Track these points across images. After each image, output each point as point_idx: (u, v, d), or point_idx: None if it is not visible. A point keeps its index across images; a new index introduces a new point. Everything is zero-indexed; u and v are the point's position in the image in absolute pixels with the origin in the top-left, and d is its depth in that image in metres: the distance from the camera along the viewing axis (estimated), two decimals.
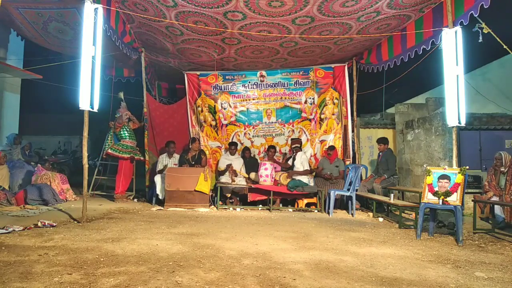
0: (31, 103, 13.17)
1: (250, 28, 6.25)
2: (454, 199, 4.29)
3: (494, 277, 2.91)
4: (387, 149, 7.20)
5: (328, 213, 6.38)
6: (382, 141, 7.28)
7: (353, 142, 8.20)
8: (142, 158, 7.37)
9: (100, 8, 4.77)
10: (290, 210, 6.88)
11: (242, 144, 8.28)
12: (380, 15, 5.72)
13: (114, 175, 7.39)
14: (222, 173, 7.36)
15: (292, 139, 7.86)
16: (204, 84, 8.52)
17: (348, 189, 6.60)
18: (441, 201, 4.35)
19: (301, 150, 7.39)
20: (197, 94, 8.54)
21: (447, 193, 4.32)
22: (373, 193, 6.80)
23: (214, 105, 8.49)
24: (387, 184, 6.85)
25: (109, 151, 7.10)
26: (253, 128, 8.46)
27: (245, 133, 8.47)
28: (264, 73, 8.44)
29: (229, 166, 7.29)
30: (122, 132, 7.20)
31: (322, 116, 8.33)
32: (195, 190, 6.44)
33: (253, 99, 8.48)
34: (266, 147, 8.06)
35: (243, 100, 8.51)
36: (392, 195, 5.73)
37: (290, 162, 7.27)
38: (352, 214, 6.40)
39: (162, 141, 7.89)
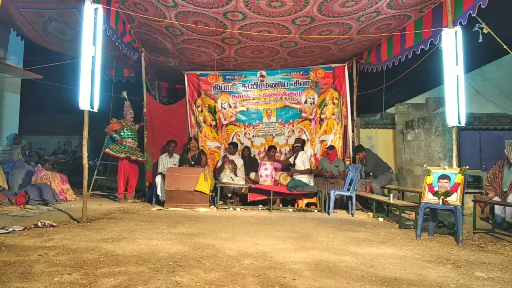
0: (31, 103, 13.19)
1: (250, 28, 6.26)
2: (454, 199, 4.29)
3: (494, 277, 2.90)
4: (366, 153, 7.21)
5: (328, 213, 6.38)
6: (359, 149, 7.34)
7: (353, 142, 8.20)
8: (139, 159, 7.24)
9: (100, 8, 4.77)
10: (290, 210, 6.88)
11: (242, 144, 8.28)
12: (380, 15, 5.72)
13: (114, 175, 7.39)
14: (219, 169, 7.35)
15: (296, 139, 7.86)
16: (204, 84, 8.52)
17: (348, 189, 6.60)
18: (441, 201, 4.35)
19: (303, 150, 7.39)
20: (197, 94, 8.54)
21: (447, 193, 4.31)
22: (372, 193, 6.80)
23: (214, 105, 8.50)
24: (385, 182, 6.85)
25: (107, 150, 7.12)
26: (253, 128, 8.46)
27: (245, 133, 8.47)
28: (264, 73, 8.44)
29: (224, 157, 7.29)
30: (123, 132, 7.19)
31: (322, 116, 8.33)
32: (195, 190, 6.45)
33: (253, 99, 8.48)
34: (266, 147, 8.06)
35: (243, 100, 8.51)
36: (391, 195, 5.73)
37: (291, 160, 7.28)
38: (352, 214, 6.40)
39: (162, 141, 7.88)
